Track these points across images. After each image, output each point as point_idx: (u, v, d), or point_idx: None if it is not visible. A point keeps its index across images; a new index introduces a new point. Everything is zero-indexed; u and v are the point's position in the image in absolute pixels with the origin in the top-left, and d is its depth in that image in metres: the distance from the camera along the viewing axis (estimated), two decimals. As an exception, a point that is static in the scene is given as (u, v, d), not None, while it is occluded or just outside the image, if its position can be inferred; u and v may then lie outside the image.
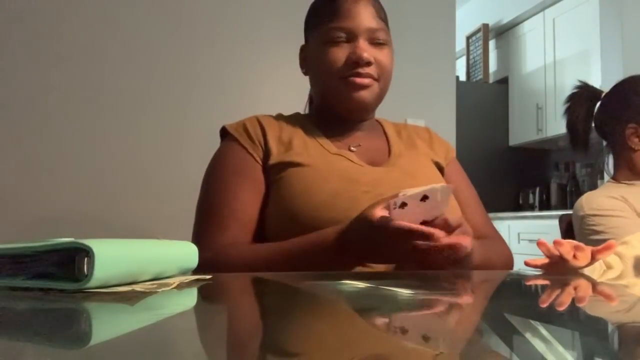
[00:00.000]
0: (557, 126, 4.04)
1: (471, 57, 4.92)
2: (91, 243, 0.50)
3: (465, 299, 0.59)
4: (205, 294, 0.61)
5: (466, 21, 4.73)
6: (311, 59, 1.09)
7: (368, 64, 1.02)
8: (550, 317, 0.46)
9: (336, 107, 1.07)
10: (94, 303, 0.48)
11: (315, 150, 1.03)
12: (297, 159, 0.99)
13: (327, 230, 0.86)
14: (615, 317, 0.47)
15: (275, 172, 1.00)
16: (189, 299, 0.57)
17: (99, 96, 2.04)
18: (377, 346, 0.34)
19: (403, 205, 0.74)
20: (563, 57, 4.01)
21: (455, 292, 0.64)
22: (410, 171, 1.03)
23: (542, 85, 4.20)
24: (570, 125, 1.64)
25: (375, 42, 1.03)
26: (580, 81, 1.67)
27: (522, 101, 4.43)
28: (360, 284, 0.59)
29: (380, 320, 0.44)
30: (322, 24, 1.04)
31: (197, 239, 0.99)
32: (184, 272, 0.66)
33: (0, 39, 1.95)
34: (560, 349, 0.32)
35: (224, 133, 1.10)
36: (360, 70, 1.01)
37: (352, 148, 1.06)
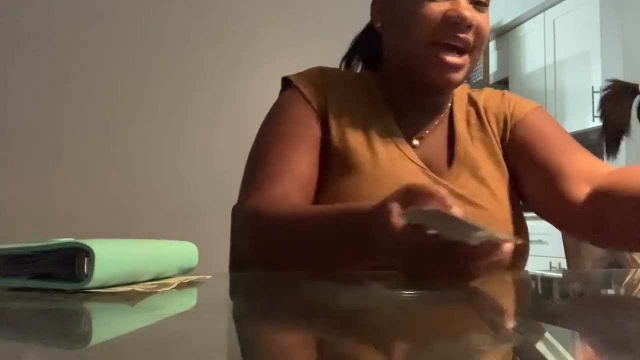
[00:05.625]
0: (557, 127, 4.04)
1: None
2: (91, 243, 0.50)
3: (466, 299, 0.59)
4: (205, 294, 0.61)
5: (466, 22, 4.73)
6: (394, 11, 0.89)
7: (469, 27, 0.83)
8: (552, 317, 0.46)
9: (416, 77, 0.89)
10: (94, 303, 0.48)
11: (378, 136, 0.89)
12: (355, 142, 0.87)
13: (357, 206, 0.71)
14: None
15: (331, 149, 0.89)
16: (189, 299, 0.57)
17: (100, 96, 2.04)
18: (376, 347, 0.34)
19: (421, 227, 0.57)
20: (563, 58, 4.01)
21: (455, 292, 0.64)
22: (472, 192, 0.88)
23: (542, 86, 4.20)
24: (609, 129, 1.50)
25: (476, 2, 0.85)
26: (610, 80, 1.56)
27: (522, 102, 4.42)
28: (360, 284, 0.59)
29: (381, 321, 0.44)
30: None
31: (243, 192, 0.88)
32: (184, 272, 0.66)
33: (4, 39, 1.95)
34: (561, 349, 0.32)
35: (284, 82, 0.97)
36: (459, 33, 0.83)
37: (414, 142, 0.92)
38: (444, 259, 0.55)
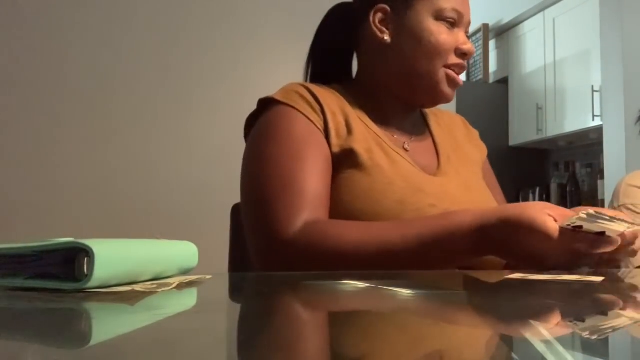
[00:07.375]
0: (557, 126, 4.04)
1: (471, 57, 4.91)
2: (91, 243, 0.50)
3: (466, 299, 0.59)
4: (205, 294, 0.61)
5: (466, 21, 4.73)
6: (409, 30, 0.96)
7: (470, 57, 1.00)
8: (549, 317, 0.46)
9: (415, 93, 0.99)
10: (94, 303, 0.48)
11: (375, 142, 0.94)
12: (359, 148, 0.90)
13: (454, 218, 0.79)
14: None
15: (337, 160, 0.91)
16: (189, 299, 0.57)
17: (101, 95, 2.04)
18: (377, 347, 0.34)
19: (578, 228, 0.71)
20: (563, 57, 4.00)
21: (455, 292, 0.64)
22: (465, 182, 0.99)
23: (542, 85, 4.20)
24: None
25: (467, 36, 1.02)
26: None
27: (522, 101, 4.43)
28: (360, 284, 0.59)
29: (380, 320, 0.44)
30: None
31: (262, 223, 0.85)
32: (184, 272, 0.66)
33: (5, 39, 1.95)
34: (561, 349, 0.32)
35: (267, 103, 0.96)
36: (464, 63, 0.99)
37: (406, 146, 0.99)
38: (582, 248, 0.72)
